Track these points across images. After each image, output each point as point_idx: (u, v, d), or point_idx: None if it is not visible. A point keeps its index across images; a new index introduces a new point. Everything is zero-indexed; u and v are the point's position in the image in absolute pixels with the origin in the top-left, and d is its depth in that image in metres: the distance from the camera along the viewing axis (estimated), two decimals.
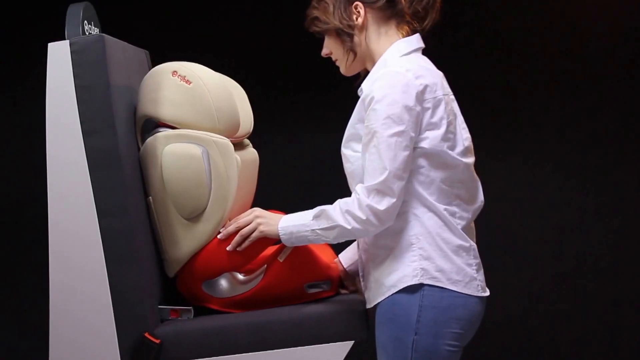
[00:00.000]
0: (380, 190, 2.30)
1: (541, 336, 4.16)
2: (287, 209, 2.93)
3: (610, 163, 4.11)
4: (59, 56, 2.47)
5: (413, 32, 2.49)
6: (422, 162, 2.37)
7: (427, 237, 2.38)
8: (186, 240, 2.59)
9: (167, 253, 2.63)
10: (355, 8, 2.45)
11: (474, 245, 2.46)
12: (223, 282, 2.68)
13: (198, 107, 2.56)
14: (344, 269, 2.69)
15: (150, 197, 2.60)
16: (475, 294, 2.40)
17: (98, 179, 2.47)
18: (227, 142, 2.57)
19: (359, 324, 2.52)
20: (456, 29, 4.06)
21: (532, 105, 4.15)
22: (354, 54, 2.48)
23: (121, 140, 2.49)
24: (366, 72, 2.52)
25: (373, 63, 2.48)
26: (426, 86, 2.35)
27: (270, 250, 2.70)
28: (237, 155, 2.60)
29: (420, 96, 2.34)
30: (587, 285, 4.14)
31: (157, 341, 2.49)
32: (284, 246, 2.59)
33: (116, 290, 2.49)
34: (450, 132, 2.40)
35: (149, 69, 2.84)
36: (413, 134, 2.33)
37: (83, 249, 2.49)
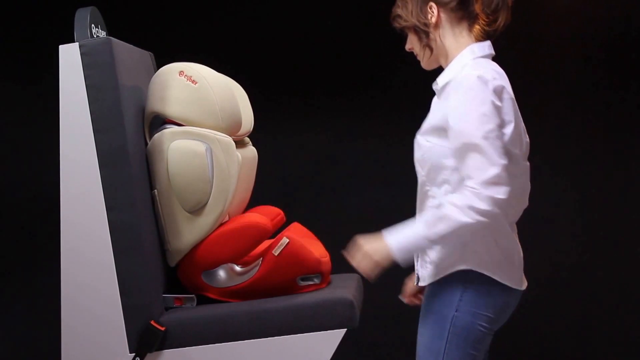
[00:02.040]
0: (496, 182, 2.35)
1: (529, 331, 4.21)
2: (283, 205, 3.02)
3: (591, 158, 4.13)
4: (69, 58, 2.54)
5: (485, 34, 2.58)
6: None
7: (492, 230, 2.48)
8: (188, 232, 2.68)
9: (169, 244, 2.70)
10: (430, 8, 2.55)
11: (517, 241, 2.61)
12: (221, 273, 2.77)
13: (203, 106, 2.64)
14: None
15: (155, 190, 2.67)
16: (512, 286, 2.53)
17: (107, 175, 2.54)
18: (230, 140, 2.65)
19: (351, 313, 2.59)
20: None
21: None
22: (430, 50, 2.57)
23: (130, 138, 2.56)
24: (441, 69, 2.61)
25: (447, 60, 2.57)
26: (503, 86, 2.46)
27: (266, 244, 2.80)
28: (238, 153, 2.68)
29: (499, 94, 2.44)
30: (567, 279, 4.15)
31: (162, 328, 2.56)
32: (279, 240, 2.69)
33: (123, 281, 2.56)
34: (517, 133, 2.51)
35: (154, 70, 2.92)
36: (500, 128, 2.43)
37: (92, 242, 2.56)
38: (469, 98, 2.41)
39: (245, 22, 4.24)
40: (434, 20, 2.55)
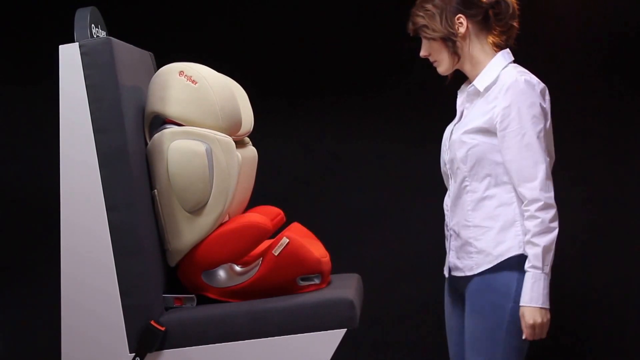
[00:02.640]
0: (546, 189, 2.73)
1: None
2: (283, 205, 3.02)
3: (594, 156, 4.13)
4: (69, 58, 2.55)
5: (497, 44, 2.86)
6: None
7: (522, 216, 2.74)
8: (188, 232, 2.68)
9: (169, 244, 2.71)
10: (458, 19, 2.80)
11: None
12: (221, 273, 2.77)
13: (203, 106, 2.64)
14: None
15: (155, 190, 2.68)
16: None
17: (107, 175, 2.54)
18: (229, 140, 2.65)
19: (351, 313, 2.59)
20: None
21: None
22: (458, 57, 2.83)
23: (130, 138, 2.56)
24: (458, 72, 2.88)
25: (473, 66, 2.84)
26: (545, 89, 2.78)
27: (266, 244, 2.80)
28: (238, 153, 2.69)
29: (544, 96, 2.78)
30: (568, 279, 4.16)
31: (162, 328, 2.56)
32: (279, 240, 2.70)
33: (123, 281, 2.55)
34: (550, 132, 2.85)
35: (154, 70, 2.92)
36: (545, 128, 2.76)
37: (92, 242, 2.56)
38: (521, 100, 2.70)
39: (245, 22, 4.24)
40: (462, 30, 2.80)
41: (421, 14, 2.82)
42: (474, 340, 2.79)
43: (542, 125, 2.74)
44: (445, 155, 2.90)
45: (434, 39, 2.82)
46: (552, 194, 2.74)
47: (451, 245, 2.90)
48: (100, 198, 2.55)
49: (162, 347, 2.58)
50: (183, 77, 2.65)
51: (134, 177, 2.56)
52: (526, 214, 2.71)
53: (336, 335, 2.58)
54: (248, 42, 4.24)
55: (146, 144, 2.72)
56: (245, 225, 2.70)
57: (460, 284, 2.88)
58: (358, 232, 3.97)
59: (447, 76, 2.92)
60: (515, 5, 2.85)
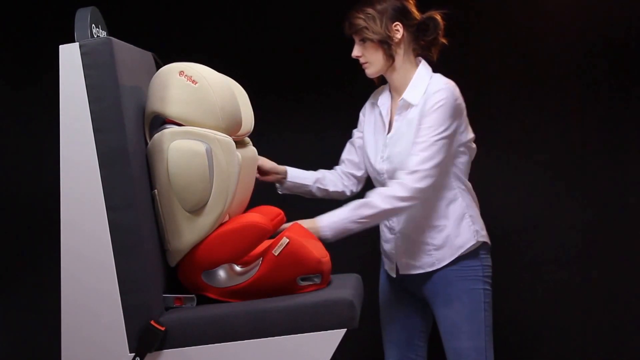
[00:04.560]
0: (423, 177, 2.94)
1: (530, 330, 4.21)
2: (283, 205, 3.03)
3: (592, 159, 4.14)
4: (69, 58, 2.54)
5: (419, 54, 3.13)
6: (457, 155, 3.06)
7: (470, 207, 3.10)
8: (188, 232, 2.67)
9: (169, 244, 2.70)
10: (395, 26, 3.03)
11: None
12: (221, 273, 2.77)
13: (203, 105, 2.63)
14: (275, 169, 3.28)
15: (155, 190, 2.67)
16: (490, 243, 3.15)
17: (107, 174, 2.53)
18: (230, 140, 2.65)
19: (351, 313, 2.58)
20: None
21: (514, 102, 4.17)
22: (392, 60, 3.06)
23: (130, 138, 2.55)
24: (382, 78, 3.16)
25: (398, 73, 3.09)
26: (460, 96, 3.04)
27: (266, 244, 2.80)
28: (238, 153, 2.68)
29: (462, 103, 3.03)
30: (564, 276, 4.16)
31: (162, 328, 2.55)
32: (279, 240, 2.70)
33: (123, 280, 2.55)
34: (469, 127, 3.10)
35: (155, 70, 2.92)
36: (455, 132, 3.00)
37: (92, 242, 2.55)
38: (441, 104, 2.97)
39: (245, 22, 4.25)
40: (399, 37, 3.05)
41: (362, 16, 3.03)
42: (454, 327, 3.07)
43: (448, 127, 2.97)
44: (379, 165, 3.12)
45: (371, 41, 3.03)
46: (424, 186, 2.93)
47: (398, 247, 3.16)
48: (100, 198, 2.54)
49: (162, 347, 2.58)
50: (183, 77, 2.65)
51: (134, 177, 2.55)
52: (398, 179, 2.94)
53: (336, 335, 2.57)
54: (248, 42, 4.24)
55: (146, 144, 2.72)
56: (245, 225, 2.69)
57: (413, 281, 3.17)
58: (358, 232, 3.97)
59: (374, 81, 3.17)
60: (442, 23, 3.07)
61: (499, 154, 4.13)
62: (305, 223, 2.94)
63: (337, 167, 3.38)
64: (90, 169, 2.54)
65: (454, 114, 2.99)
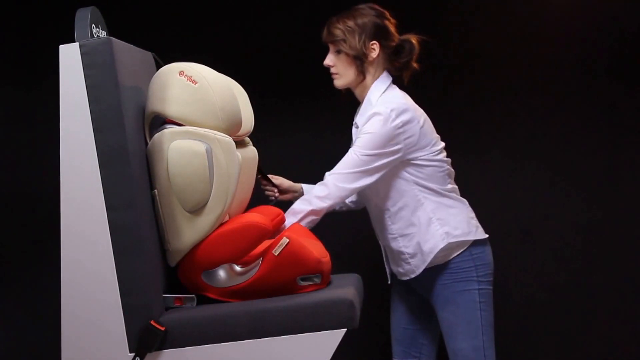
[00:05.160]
0: (342, 180, 2.96)
1: (530, 331, 4.21)
2: (284, 205, 3.03)
3: (593, 159, 4.12)
4: (70, 58, 2.55)
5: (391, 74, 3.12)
6: (416, 168, 3.03)
7: (439, 210, 3.05)
8: (188, 232, 2.68)
9: (169, 244, 2.71)
10: (372, 45, 3.04)
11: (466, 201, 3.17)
12: (221, 273, 2.78)
13: (203, 105, 2.64)
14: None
15: (155, 190, 2.68)
16: (482, 237, 3.11)
17: (108, 174, 2.54)
18: (230, 140, 2.65)
19: (351, 313, 2.59)
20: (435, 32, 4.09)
21: (513, 103, 4.17)
22: (363, 77, 3.07)
23: (130, 138, 2.55)
24: (348, 90, 3.16)
25: (363, 90, 3.10)
26: (405, 122, 2.97)
27: (266, 244, 2.80)
28: (238, 153, 2.69)
29: (401, 131, 2.96)
30: (565, 277, 4.15)
31: (162, 328, 2.56)
32: (279, 240, 2.70)
33: (123, 280, 2.55)
34: (427, 141, 3.03)
35: (155, 70, 2.92)
36: (391, 158, 2.97)
37: (92, 242, 2.56)
38: (370, 130, 2.96)
39: (245, 22, 4.24)
40: (374, 55, 3.05)
41: (341, 27, 3.04)
42: (450, 328, 3.07)
43: (376, 152, 2.95)
44: None
45: (346, 54, 3.04)
46: (343, 186, 2.95)
47: (388, 256, 3.23)
48: (100, 198, 2.54)
49: (162, 347, 2.58)
50: (183, 77, 2.65)
51: (134, 177, 2.55)
52: (325, 180, 2.97)
53: (336, 336, 2.58)
54: (248, 42, 4.24)
55: (146, 144, 2.72)
56: (245, 225, 2.70)
57: (407, 283, 3.21)
58: (358, 232, 3.97)
59: (341, 91, 3.17)
60: (418, 47, 3.08)
61: (500, 154, 4.12)
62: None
63: None
64: (90, 169, 2.54)
65: (385, 141, 2.96)
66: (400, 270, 3.16)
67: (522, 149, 4.15)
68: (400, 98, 3.04)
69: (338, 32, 3.04)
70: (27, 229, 4.30)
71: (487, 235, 3.15)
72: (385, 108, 2.97)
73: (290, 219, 2.94)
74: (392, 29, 3.08)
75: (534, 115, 4.14)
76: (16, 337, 4.35)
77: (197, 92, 2.64)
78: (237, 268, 2.81)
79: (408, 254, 3.09)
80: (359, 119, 3.12)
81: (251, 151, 2.94)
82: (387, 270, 3.28)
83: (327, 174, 2.99)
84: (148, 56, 3.00)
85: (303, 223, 2.95)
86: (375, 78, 3.09)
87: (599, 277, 4.12)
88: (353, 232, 4.05)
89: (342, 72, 3.08)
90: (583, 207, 4.13)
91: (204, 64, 2.72)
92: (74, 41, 2.57)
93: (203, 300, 2.74)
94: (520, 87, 4.15)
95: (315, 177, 4.13)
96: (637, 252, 4.11)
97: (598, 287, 4.13)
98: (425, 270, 3.08)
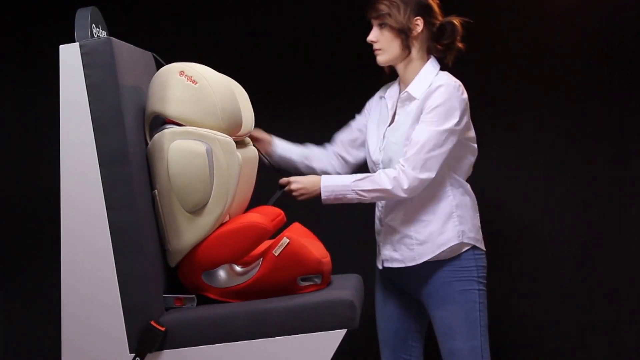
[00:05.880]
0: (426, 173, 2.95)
1: (530, 331, 4.21)
2: (284, 205, 3.02)
3: (594, 158, 4.12)
4: (70, 58, 2.55)
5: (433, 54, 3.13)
6: (462, 149, 3.07)
7: (461, 207, 3.07)
8: (188, 232, 2.67)
9: (169, 244, 2.71)
10: (416, 20, 3.04)
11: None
12: (221, 273, 2.78)
13: (203, 106, 2.64)
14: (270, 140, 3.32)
15: (155, 190, 2.68)
16: (484, 249, 3.15)
17: (107, 175, 2.54)
18: (230, 140, 2.65)
19: (351, 313, 2.59)
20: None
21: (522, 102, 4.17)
22: (408, 52, 3.07)
23: (130, 138, 2.56)
24: (391, 68, 3.16)
25: (407, 67, 3.10)
26: (467, 98, 3.05)
27: (266, 244, 2.80)
28: (239, 153, 2.69)
29: (466, 107, 3.03)
30: (568, 279, 4.16)
31: (163, 328, 2.56)
32: (279, 240, 2.70)
33: (123, 281, 2.55)
34: (471, 126, 3.09)
35: (155, 70, 2.92)
36: (459, 128, 2.99)
37: (92, 242, 2.56)
38: (443, 101, 2.97)
39: (245, 22, 4.24)
40: (418, 30, 3.06)
41: (386, 2, 3.03)
42: (449, 328, 3.06)
43: (453, 123, 2.97)
44: (376, 156, 3.13)
45: (391, 28, 3.04)
46: (425, 178, 2.95)
47: (385, 238, 3.16)
48: (100, 198, 2.54)
49: (162, 347, 2.58)
50: (183, 77, 2.65)
51: (134, 177, 2.55)
52: (403, 169, 2.94)
53: (336, 336, 2.58)
54: (248, 42, 4.24)
55: (146, 144, 2.72)
56: (246, 226, 2.70)
57: (396, 274, 3.16)
58: (358, 232, 3.96)
59: (384, 70, 3.16)
60: (461, 28, 3.10)
61: (500, 154, 4.12)
62: (307, 178, 3.04)
63: (327, 145, 3.37)
64: (90, 169, 2.54)
65: (459, 109, 2.98)
66: (397, 256, 3.11)
67: (522, 148, 4.15)
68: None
69: (383, 7, 3.04)
70: (27, 229, 4.30)
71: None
72: (450, 80, 3.02)
73: (364, 182, 2.97)
74: (435, 7, 3.09)
75: (535, 112, 4.15)
76: (16, 337, 4.35)
77: (198, 92, 2.64)
78: (238, 268, 2.81)
79: (417, 240, 3.06)
80: (404, 95, 3.11)
81: (251, 151, 2.95)
82: (377, 257, 3.24)
83: (406, 165, 2.96)
84: (148, 56, 2.99)
85: (360, 192, 2.97)
86: (420, 54, 3.09)
87: (599, 277, 4.12)
88: (353, 232, 4.05)
89: (385, 47, 3.08)
90: (583, 206, 4.13)
91: (204, 64, 2.72)
92: (74, 41, 2.57)
93: (203, 300, 2.74)
94: (520, 87, 4.15)
95: None
96: (637, 252, 4.11)
97: (598, 287, 4.13)
98: (424, 262, 3.06)
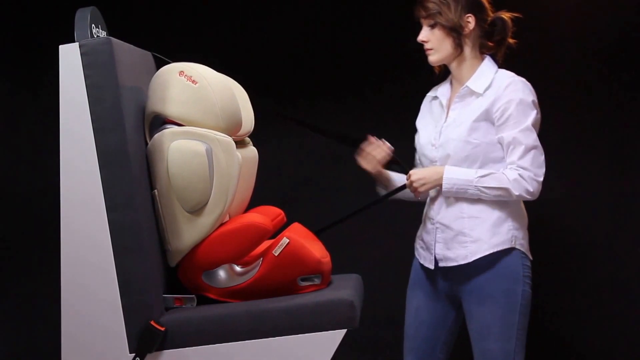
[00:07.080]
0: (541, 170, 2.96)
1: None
2: (284, 205, 3.03)
3: (594, 157, 4.13)
4: (69, 58, 2.55)
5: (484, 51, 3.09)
6: None
7: (515, 214, 3.04)
8: (188, 232, 2.68)
9: (169, 244, 2.71)
10: (468, 18, 3.01)
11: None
12: (221, 273, 2.78)
13: (203, 106, 2.64)
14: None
15: (155, 190, 2.68)
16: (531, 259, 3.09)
17: (107, 174, 2.54)
18: (230, 140, 2.65)
19: (351, 313, 2.59)
20: None
21: None
22: (460, 50, 3.04)
23: (130, 138, 2.56)
24: (442, 68, 3.13)
25: (460, 65, 3.06)
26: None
27: (266, 244, 2.80)
28: (239, 153, 2.69)
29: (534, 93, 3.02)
30: (569, 278, 4.16)
31: (162, 329, 2.56)
32: (279, 240, 2.71)
33: (123, 281, 2.56)
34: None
35: (155, 70, 2.92)
36: (539, 117, 3.00)
37: (92, 242, 2.56)
38: (521, 97, 2.96)
39: (245, 22, 4.25)
40: (470, 28, 3.02)
41: (435, 1, 2.98)
42: (485, 326, 2.99)
43: (535, 115, 2.97)
44: (431, 153, 3.08)
45: (442, 26, 2.99)
46: (543, 176, 2.95)
47: (437, 237, 3.09)
48: (100, 198, 2.55)
49: (162, 347, 2.58)
50: (183, 77, 2.65)
51: (134, 177, 2.55)
52: (511, 167, 2.94)
53: (336, 336, 2.58)
54: (248, 42, 4.24)
55: (146, 144, 2.72)
56: (246, 226, 2.70)
57: (449, 274, 3.08)
58: (358, 232, 3.97)
59: (435, 72, 3.13)
60: (511, 24, 3.06)
61: None
62: (426, 169, 3.02)
63: None
64: (90, 169, 2.54)
65: (533, 99, 2.99)
66: (450, 254, 3.05)
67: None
68: None
69: (432, 6, 2.99)
70: (27, 229, 4.30)
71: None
72: (515, 77, 3.01)
73: (488, 179, 2.94)
74: (486, 3, 3.06)
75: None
76: (16, 337, 4.35)
77: (197, 92, 2.64)
78: (238, 268, 2.82)
79: (470, 237, 3.00)
80: (463, 90, 3.06)
81: (251, 151, 2.94)
82: (425, 258, 3.17)
83: (525, 171, 2.94)
84: (148, 56, 2.99)
85: (482, 188, 2.95)
86: (473, 52, 3.06)
87: (599, 277, 4.13)
88: (353, 232, 4.06)
89: (437, 47, 3.04)
90: (583, 206, 4.13)
91: (204, 64, 2.73)
92: (74, 41, 2.57)
93: (203, 300, 2.75)
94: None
95: (315, 177, 4.15)
96: (637, 252, 4.11)
97: (598, 287, 4.13)
98: (475, 260, 3.00)
